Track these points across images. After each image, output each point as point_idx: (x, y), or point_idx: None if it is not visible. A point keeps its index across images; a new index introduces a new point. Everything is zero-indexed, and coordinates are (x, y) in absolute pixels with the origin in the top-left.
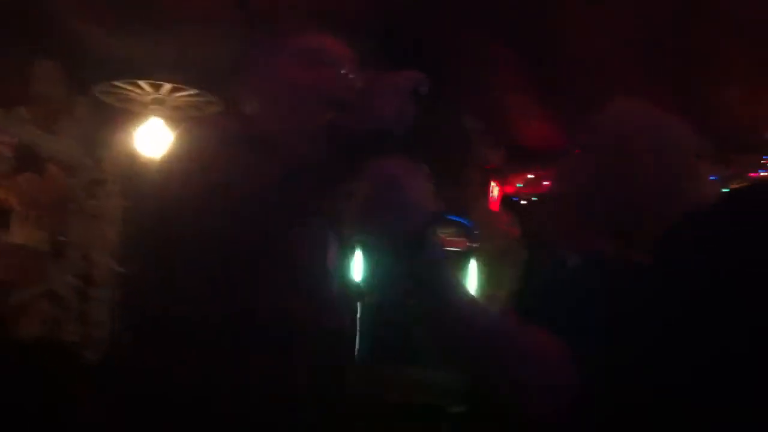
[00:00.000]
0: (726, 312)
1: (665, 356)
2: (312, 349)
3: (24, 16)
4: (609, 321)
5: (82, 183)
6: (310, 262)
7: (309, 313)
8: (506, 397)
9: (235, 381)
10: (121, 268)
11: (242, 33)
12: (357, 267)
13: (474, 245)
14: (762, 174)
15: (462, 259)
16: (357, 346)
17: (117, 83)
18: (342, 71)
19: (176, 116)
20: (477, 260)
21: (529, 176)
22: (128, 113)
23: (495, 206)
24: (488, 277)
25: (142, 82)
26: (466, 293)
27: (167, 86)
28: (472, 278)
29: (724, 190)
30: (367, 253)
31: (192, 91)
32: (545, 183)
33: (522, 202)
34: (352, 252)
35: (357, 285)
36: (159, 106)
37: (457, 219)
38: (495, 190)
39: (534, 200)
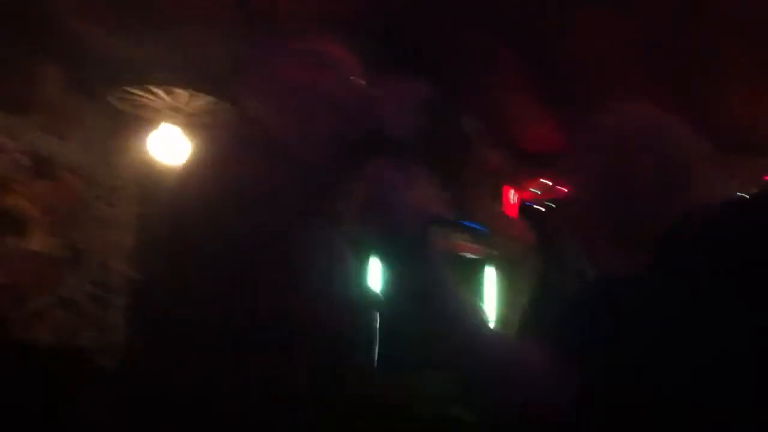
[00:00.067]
0: (732, 315)
1: (677, 369)
2: (323, 353)
3: (38, 23)
4: (618, 331)
5: (97, 190)
6: (323, 266)
7: (322, 317)
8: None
9: (249, 384)
10: (137, 274)
11: (252, 38)
12: (374, 274)
13: (490, 251)
14: None
15: (477, 265)
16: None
17: (131, 90)
18: (349, 76)
19: (190, 123)
20: (493, 266)
21: (546, 182)
22: (143, 120)
23: (512, 212)
24: (504, 283)
25: (156, 89)
26: (465, 303)
27: (181, 93)
28: (487, 285)
29: (739, 193)
30: (378, 259)
31: (206, 98)
32: (562, 189)
33: (539, 208)
34: (368, 259)
35: (374, 292)
36: (173, 112)
37: (472, 225)
38: (512, 196)
39: (550, 206)
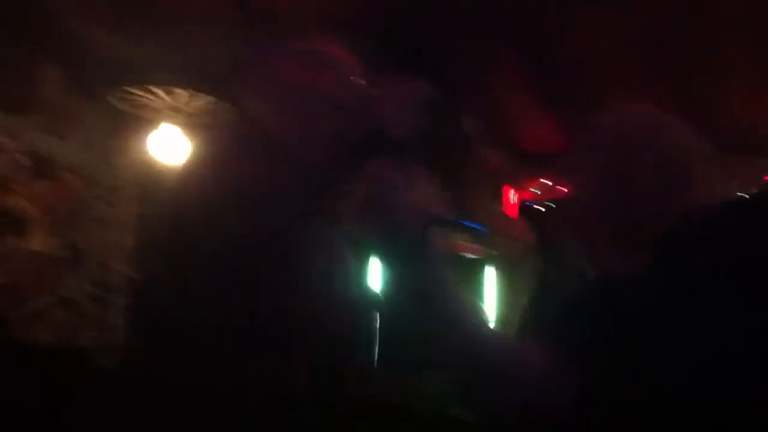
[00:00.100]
0: (732, 315)
1: (677, 369)
2: (323, 353)
3: (38, 23)
4: (618, 331)
5: (97, 190)
6: (323, 266)
7: (322, 317)
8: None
9: (249, 384)
10: (137, 274)
11: (252, 38)
12: (374, 274)
13: (490, 251)
14: None
15: (477, 265)
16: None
17: (131, 90)
18: (349, 76)
19: (190, 123)
20: (493, 266)
21: (546, 182)
22: (143, 120)
23: (512, 212)
24: (504, 283)
25: (156, 89)
26: (465, 303)
27: (182, 93)
28: (487, 285)
29: (738, 193)
30: (378, 259)
31: (206, 98)
32: (562, 189)
33: (539, 208)
34: (368, 259)
35: (373, 292)
36: (173, 112)
37: (472, 225)
38: (512, 196)
39: (551, 206)
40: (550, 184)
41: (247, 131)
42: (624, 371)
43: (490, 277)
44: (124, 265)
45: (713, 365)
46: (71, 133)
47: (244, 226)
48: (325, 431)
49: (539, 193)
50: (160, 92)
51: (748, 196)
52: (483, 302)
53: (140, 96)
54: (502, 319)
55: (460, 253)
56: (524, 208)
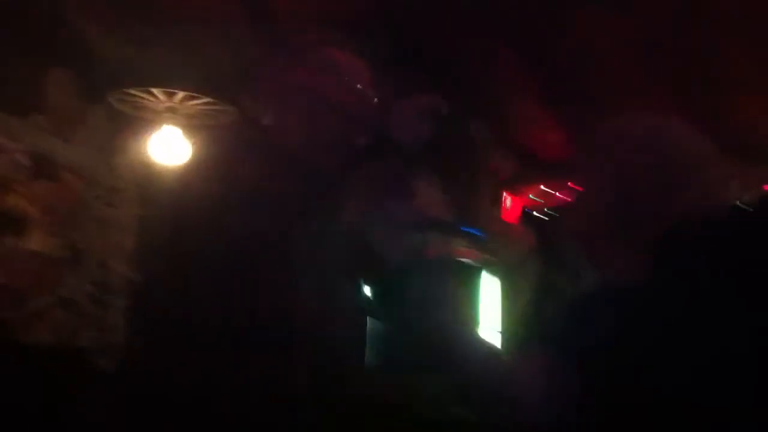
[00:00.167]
0: (734, 320)
1: (678, 373)
2: (323, 353)
3: (38, 24)
4: (619, 336)
5: (97, 191)
6: (323, 269)
7: (320, 319)
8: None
9: (249, 384)
10: (137, 275)
11: (257, 42)
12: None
13: (489, 257)
14: None
15: (476, 271)
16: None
17: (131, 91)
18: (355, 81)
19: (191, 124)
20: (492, 272)
21: (545, 189)
22: (144, 121)
23: (511, 218)
24: (503, 289)
25: (156, 90)
26: (461, 319)
27: (181, 94)
28: (486, 291)
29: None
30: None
31: (206, 100)
32: (561, 196)
33: (538, 214)
34: (369, 264)
35: (372, 298)
36: (173, 114)
37: (471, 230)
38: (510, 201)
39: (551, 213)
40: (551, 191)
41: (248, 133)
42: (625, 375)
43: (488, 282)
44: (124, 265)
45: (714, 368)
46: (72, 134)
47: (244, 227)
48: (325, 431)
49: (540, 200)
50: (161, 94)
51: (749, 204)
52: (479, 308)
53: (141, 98)
54: (500, 325)
55: (459, 259)
56: (524, 214)
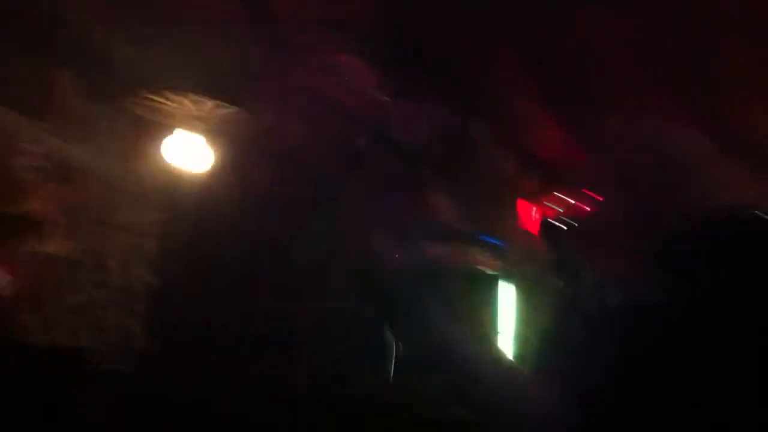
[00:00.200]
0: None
1: (695, 392)
2: (331, 357)
3: (59, 27)
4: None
5: (119, 195)
6: (338, 275)
7: (333, 324)
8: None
9: (264, 386)
10: (155, 279)
11: (269, 47)
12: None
13: (507, 267)
14: None
15: (494, 281)
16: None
17: (152, 96)
18: (367, 89)
19: (210, 130)
20: (510, 282)
21: (564, 197)
22: (163, 126)
23: (531, 228)
24: (521, 299)
25: (176, 96)
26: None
27: (202, 100)
28: (504, 300)
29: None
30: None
31: (226, 105)
32: (584, 207)
33: (560, 225)
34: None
35: (385, 305)
36: (193, 119)
37: (490, 240)
38: (531, 211)
39: (573, 224)
40: (570, 200)
41: (265, 140)
42: (641, 386)
43: (506, 292)
44: (142, 270)
45: (735, 381)
46: (91, 138)
47: (261, 233)
48: (325, 431)
49: (559, 209)
50: (181, 99)
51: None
52: (497, 318)
53: (160, 102)
54: (517, 336)
55: (477, 268)
56: (544, 223)
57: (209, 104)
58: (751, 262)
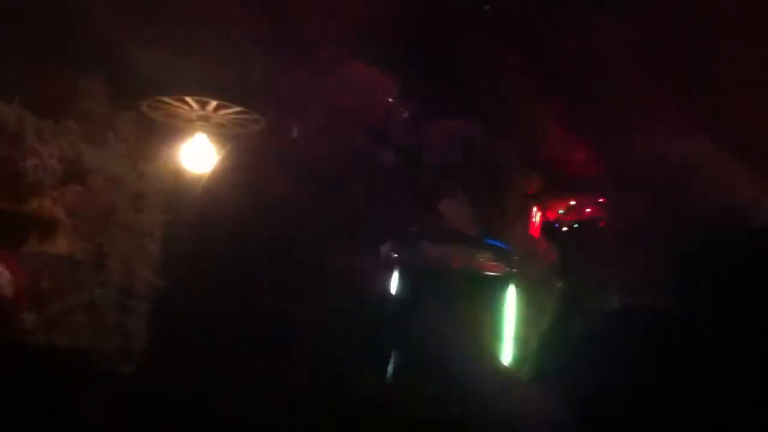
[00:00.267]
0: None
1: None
2: (332, 358)
3: (72, 31)
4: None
5: (125, 196)
6: (343, 280)
7: (336, 326)
8: None
9: (264, 386)
10: (159, 280)
11: (285, 54)
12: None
13: (512, 270)
14: None
15: (499, 283)
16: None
17: (163, 98)
18: (384, 99)
19: (221, 133)
20: (515, 285)
21: (571, 203)
22: (173, 128)
23: (535, 232)
24: (525, 303)
25: (188, 98)
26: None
27: (213, 103)
28: (509, 303)
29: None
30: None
31: (237, 109)
32: (587, 210)
33: (563, 228)
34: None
35: (391, 311)
36: (204, 122)
37: (495, 243)
38: (536, 215)
39: (576, 227)
40: (574, 204)
41: (275, 144)
42: (647, 395)
43: (511, 295)
44: (147, 271)
45: (738, 393)
46: (102, 140)
47: (266, 236)
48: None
49: (563, 213)
50: (191, 102)
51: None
52: (503, 322)
53: (171, 105)
54: (521, 339)
55: (482, 271)
56: (548, 227)
57: (222, 108)
58: (753, 266)
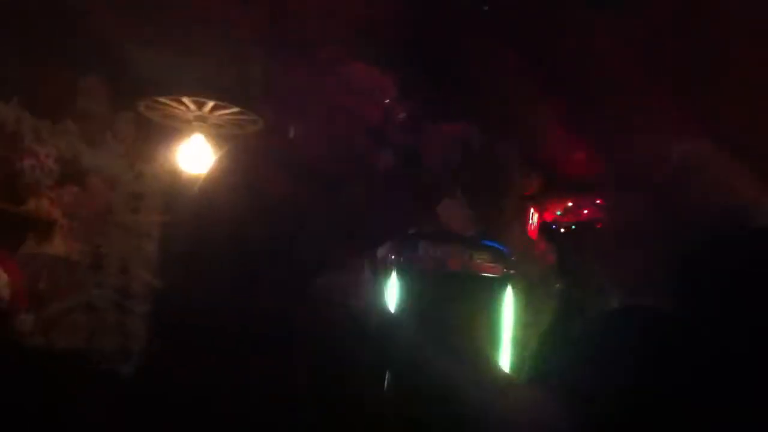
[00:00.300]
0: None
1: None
2: (330, 359)
3: (70, 30)
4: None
5: (122, 196)
6: (340, 282)
7: (333, 327)
8: None
9: (262, 387)
10: (157, 281)
11: (285, 55)
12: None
13: (510, 272)
14: None
15: (497, 285)
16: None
17: (160, 99)
18: (382, 99)
19: (218, 133)
20: (512, 287)
21: (569, 204)
22: (171, 129)
23: (533, 233)
24: (523, 304)
25: (185, 99)
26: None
27: (210, 104)
28: (507, 305)
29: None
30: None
31: (234, 110)
32: (584, 211)
33: (561, 230)
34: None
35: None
36: (201, 123)
37: (493, 244)
38: (533, 216)
39: (573, 229)
40: (572, 205)
41: (272, 144)
42: (648, 400)
43: (509, 297)
44: (145, 271)
45: (739, 395)
46: (100, 140)
47: (264, 236)
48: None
49: (561, 214)
50: (191, 103)
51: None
52: (501, 324)
53: (169, 106)
54: (519, 340)
55: (480, 273)
56: (546, 228)
57: (219, 108)
58: (753, 266)
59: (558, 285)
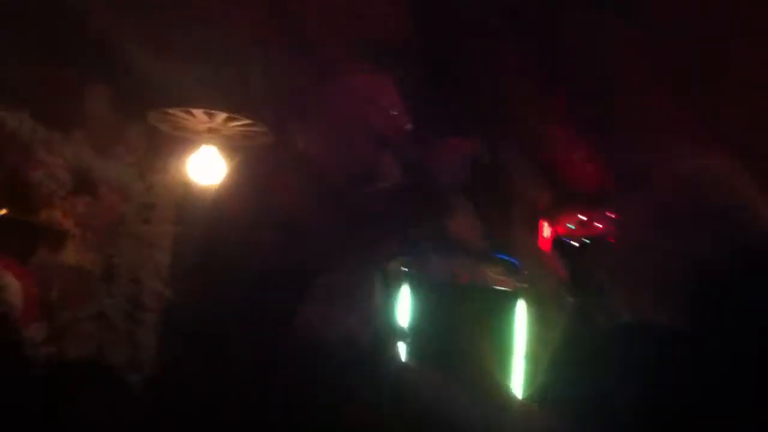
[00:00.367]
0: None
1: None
2: (339, 371)
3: (81, 42)
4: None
5: (134, 207)
6: (351, 293)
7: (344, 340)
8: None
9: (274, 397)
10: (169, 291)
11: (297, 66)
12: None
13: (522, 285)
14: None
15: (509, 298)
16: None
17: (171, 110)
18: (394, 112)
19: (229, 145)
20: (524, 300)
21: (581, 218)
22: (182, 140)
23: (545, 247)
24: (535, 318)
25: (196, 110)
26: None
27: (221, 115)
28: (519, 318)
29: None
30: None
31: (245, 121)
32: (597, 225)
33: (573, 243)
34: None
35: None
36: (212, 134)
37: (505, 258)
38: (546, 230)
39: (586, 242)
40: (585, 219)
41: (284, 156)
42: (658, 414)
43: (521, 311)
44: (156, 282)
45: (750, 412)
46: (112, 151)
47: (275, 247)
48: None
49: (574, 228)
50: (201, 114)
51: None
52: (513, 337)
53: (180, 117)
54: (531, 354)
55: (492, 286)
56: (559, 242)
57: (230, 119)
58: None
59: (570, 299)
